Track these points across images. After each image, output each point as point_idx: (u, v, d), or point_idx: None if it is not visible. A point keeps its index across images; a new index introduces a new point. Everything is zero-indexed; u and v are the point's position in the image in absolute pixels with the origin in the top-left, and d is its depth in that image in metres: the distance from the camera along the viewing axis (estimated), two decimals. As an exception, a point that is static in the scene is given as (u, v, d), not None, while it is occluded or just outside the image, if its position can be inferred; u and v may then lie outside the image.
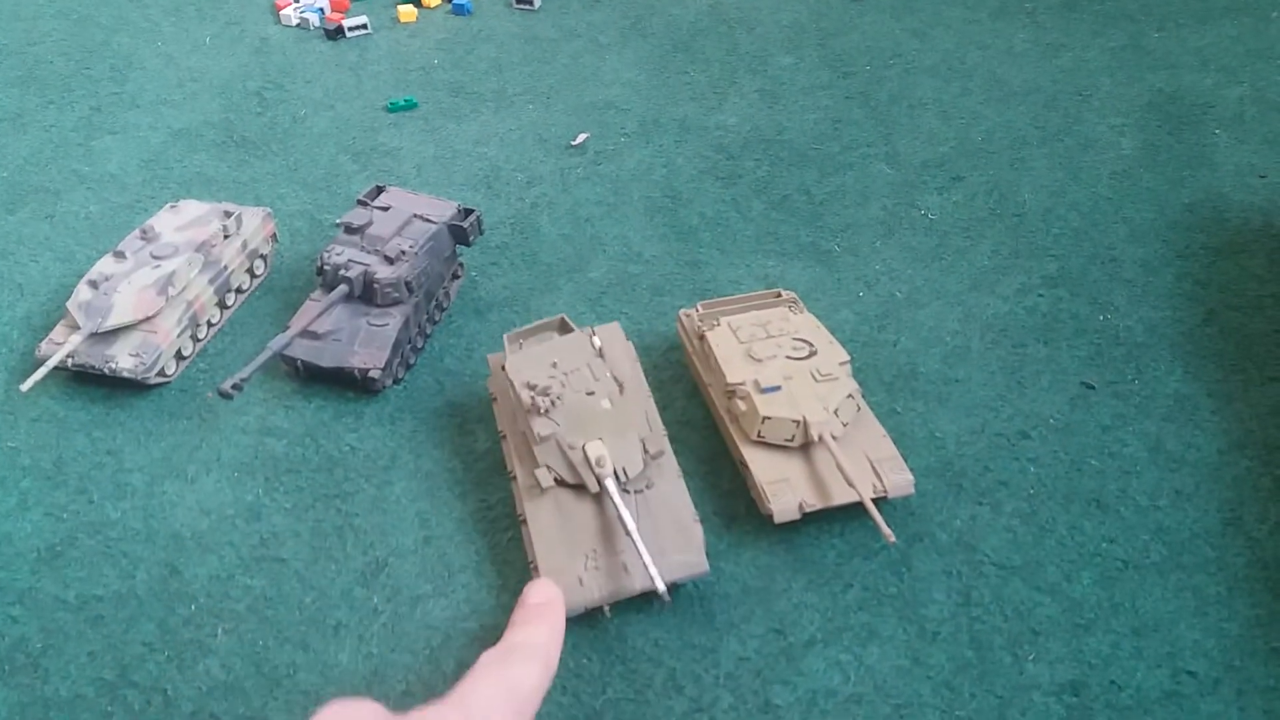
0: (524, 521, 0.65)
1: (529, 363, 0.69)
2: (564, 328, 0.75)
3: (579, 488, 0.65)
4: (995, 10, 1.36)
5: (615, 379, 0.68)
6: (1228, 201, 0.98)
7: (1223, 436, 0.74)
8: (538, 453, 0.65)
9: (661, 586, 0.59)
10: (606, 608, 0.61)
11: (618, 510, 0.61)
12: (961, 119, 1.12)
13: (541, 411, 0.66)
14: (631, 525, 0.60)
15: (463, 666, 0.59)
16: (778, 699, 0.58)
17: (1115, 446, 0.73)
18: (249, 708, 0.59)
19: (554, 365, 0.69)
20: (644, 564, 0.59)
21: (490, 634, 0.62)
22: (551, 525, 0.64)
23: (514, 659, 0.52)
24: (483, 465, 0.73)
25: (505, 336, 0.74)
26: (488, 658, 0.52)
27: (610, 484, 0.63)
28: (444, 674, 0.60)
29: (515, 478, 0.67)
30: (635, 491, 0.65)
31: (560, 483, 0.65)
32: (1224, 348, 0.81)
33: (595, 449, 0.64)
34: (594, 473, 0.63)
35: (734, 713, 0.58)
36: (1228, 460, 0.72)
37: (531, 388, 0.67)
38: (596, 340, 0.71)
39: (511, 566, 0.66)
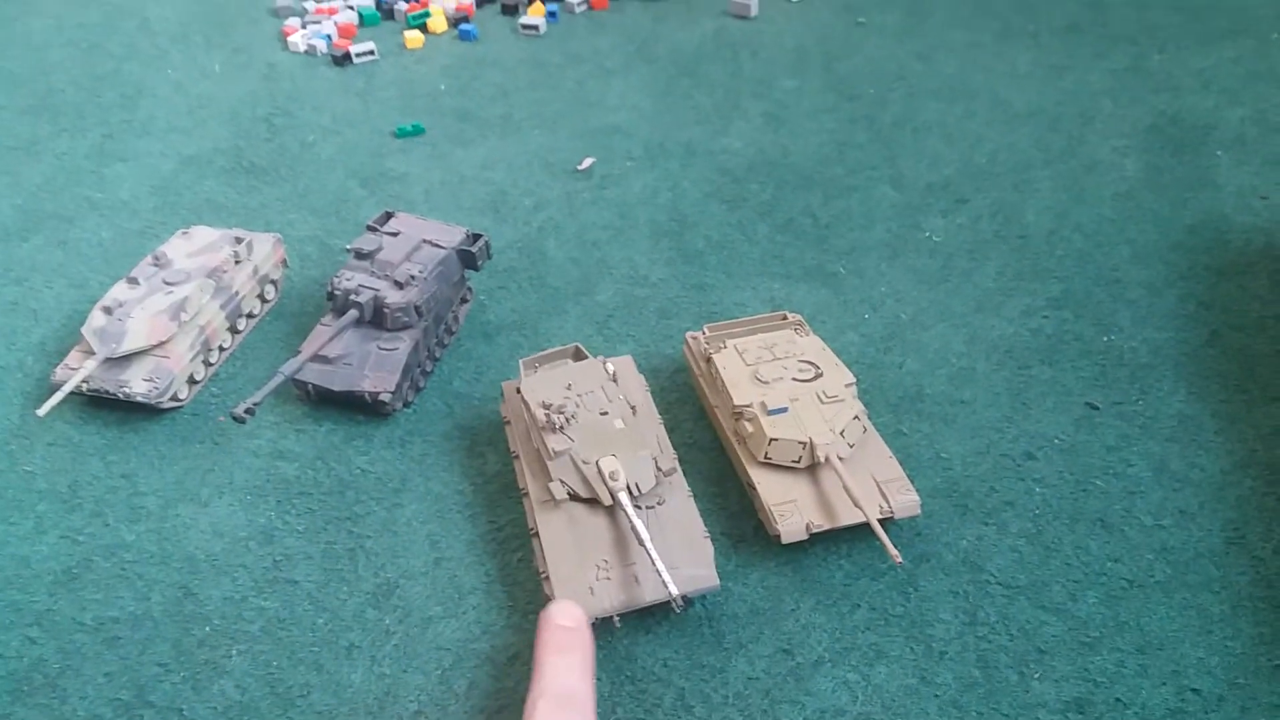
0: (535, 534, 0.66)
1: (544, 384, 0.71)
2: (578, 355, 0.76)
3: (592, 502, 0.66)
4: (998, 33, 1.37)
5: (628, 402, 0.69)
6: (1230, 223, 0.99)
7: (1226, 456, 0.74)
8: (551, 468, 0.66)
9: (675, 590, 0.59)
10: (616, 618, 0.62)
11: (630, 520, 0.62)
12: (965, 141, 1.13)
13: (556, 428, 0.67)
14: (644, 534, 0.61)
15: (474, 687, 0.60)
16: (786, 718, 0.59)
17: (1120, 467, 0.74)
18: (263, 729, 0.59)
19: (569, 387, 0.70)
20: (656, 571, 0.60)
21: (501, 654, 0.62)
22: (564, 536, 0.65)
23: (572, 718, 0.52)
24: (492, 487, 0.73)
25: (521, 362, 0.75)
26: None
27: (623, 497, 0.64)
28: (455, 694, 0.60)
29: (528, 493, 0.68)
30: (647, 507, 0.66)
31: (574, 497, 0.66)
32: (1227, 368, 0.82)
33: (609, 464, 0.65)
34: (607, 486, 0.64)
35: (743, 732, 0.59)
36: (1231, 480, 0.73)
37: (546, 406, 0.68)
38: (610, 366, 0.72)
39: (521, 588, 0.66)
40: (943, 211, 1.02)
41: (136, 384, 0.77)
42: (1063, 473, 0.73)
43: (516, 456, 0.71)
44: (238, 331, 0.87)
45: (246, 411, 0.68)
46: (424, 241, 0.83)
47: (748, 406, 0.70)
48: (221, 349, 0.84)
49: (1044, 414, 0.78)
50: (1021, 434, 0.76)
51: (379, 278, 0.80)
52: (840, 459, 0.68)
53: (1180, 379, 0.81)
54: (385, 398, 0.76)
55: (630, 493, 0.65)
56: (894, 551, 0.62)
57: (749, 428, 0.70)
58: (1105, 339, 0.85)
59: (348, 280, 0.80)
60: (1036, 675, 0.61)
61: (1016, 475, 0.73)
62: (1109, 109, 1.18)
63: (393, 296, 0.78)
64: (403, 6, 1.45)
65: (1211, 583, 0.66)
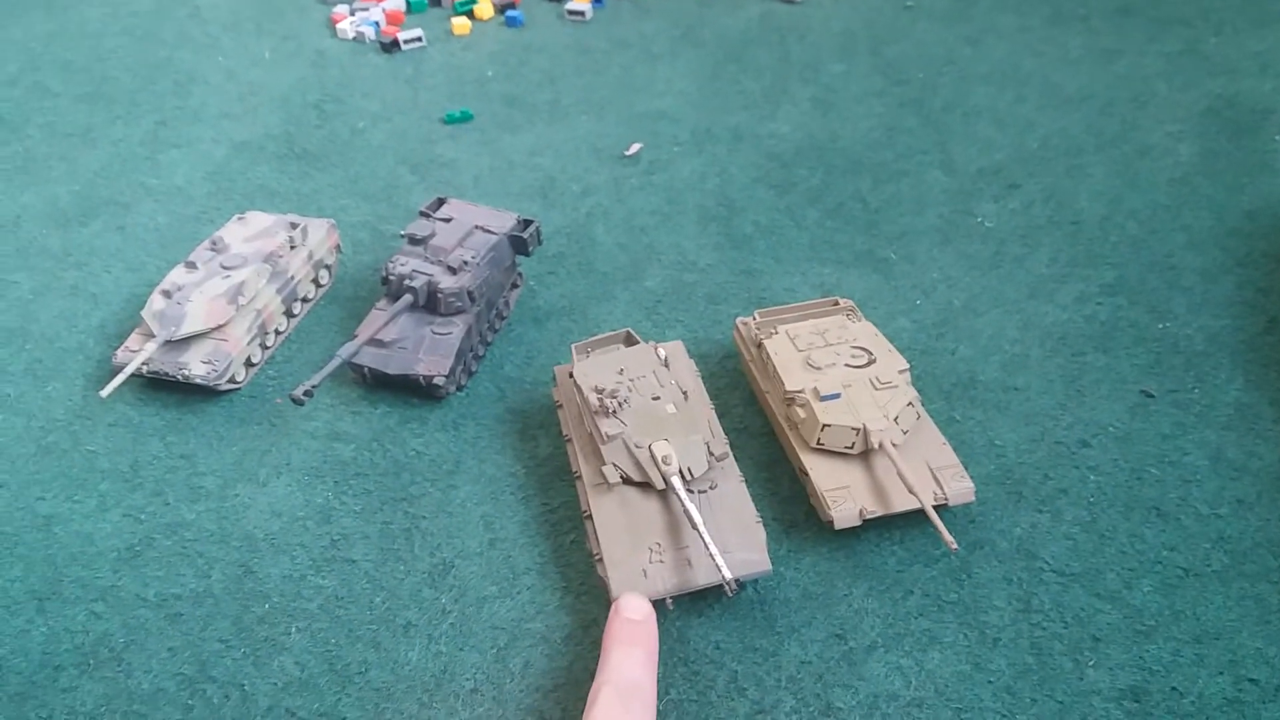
0: (589, 516, 0.67)
1: (597, 369, 0.71)
2: (629, 340, 0.76)
3: (644, 486, 0.66)
4: (1049, 17, 1.36)
5: (680, 387, 0.70)
6: (1288, 208, 0.97)
7: (1285, 445, 0.74)
8: (605, 452, 0.67)
9: (728, 574, 0.60)
10: (669, 600, 0.62)
11: (683, 504, 0.63)
12: (1016, 126, 1.12)
13: (609, 413, 0.67)
14: (697, 517, 0.62)
15: (529, 665, 0.61)
16: (839, 702, 0.59)
17: (1175, 455, 0.73)
18: (322, 703, 0.60)
19: (621, 372, 0.70)
20: (709, 554, 0.60)
21: (555, 634, 0.63)
22: (617, 519, 0.65)
23: (634, 708, 0.53)
24: (544, 470, 0.74)
25: (573, 346, 0.75)
26: (606, 713, 0.53)
27: (676, 481, 0.64)
28: (511, 672, 0.61)
29: (580, 476, 0.69)
30: (699, 491, 0.66)
31: (627, 480, 0.66)
32: (1286, 356, 0.81)
33: (661, 448, 0.65)
34: (660, 470, 0.65)
35: (796, 715, 0.59)
36: (1291, 469, 0.72)
37: (599, 391, 0.68)
38: (661, 351, 0.73)
39: (575, 569, 0.67)
40: (994, 197, 1.01)
41: (195, 366, 0.79)
42: (1118, 460, 0.73)
43: (569, 440, 0.72)
44: (293, 315, 0.88)
45: (305, 394, 0.69)
46: (476, 227, 0.84)
47: (800, 392, 0.70)
48: (278, 332, 0.86)
49: (1098, 401, 0.78)
50: (1076, 421, 0.76)
51: (432, 263, 0.81)
52: (894, 445, 0.68)
53: (1237, 367, 0.80)
54: (439, 381, 0.77)
55: (683, 477, 0.65)
56: (949, 538, 0.62)
57: (801, 413, 0.70)
58: (1160, 326, 0.84)
59: (402, 265, 0.80)
60: (1091, 663, 0.61)
61: (1071, 463, 0.73)
62: (1163, 93, 1.17)
63: (446, 281, 0.79)
64: (450, -7, 1.46)
65: (1270, 572, 0.65)
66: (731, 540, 0.64)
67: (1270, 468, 0.72)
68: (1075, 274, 0.90)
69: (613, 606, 0.59)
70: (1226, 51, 1.25)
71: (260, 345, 0.83)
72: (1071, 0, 1.40)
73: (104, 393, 0.76)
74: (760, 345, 0.76)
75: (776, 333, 0.76)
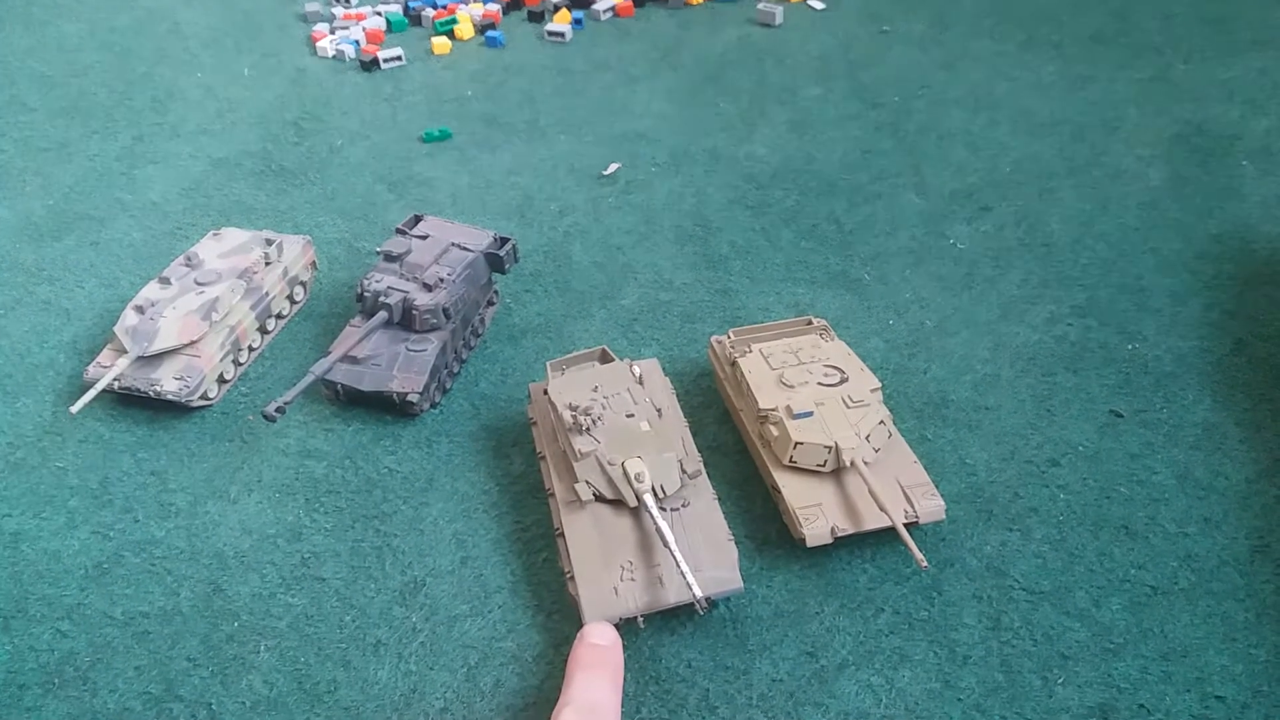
0: (561, 534, 0.67)
1: (571, 386, 0.71)
2: (605, 358, 0.77)
3: (617, 504, 0.67)
4: (1023, 43, 1.38)
5: (654, 405, 0.70)
6: (1255, 232, 0.98)
7: (1251, 465, 0.74)
8: (578, 469, 0.67)
9: (699, 592, 0.60)
10: (640, 618, 0.62)
11: (655, 522, 0.63)
12: (990, 150, 1.13)
13: (583, 430, 0.68)
14: (669, 536, 0.62)
15: (500, 685, 0.61)
16: (810, 720, 0.59)
17: (1144, 474, 0.74)
18: (291, 723, 0.60)
19: (595, 389, 0.70)
20: (680, 572, 0.60)
21: (526, 652, 0.63)
22: (589, 537, 0.65)
23: None
24: (518, 488, 0.74)
25: (548, 364, 0.75)
26: None
27: (649, 499, 0.64)
28: (481, 691, 0.61)
29: (553, 494, 0.69)
30: (672, 509, 0.66)
31: (599, 498, 0.67)
32: (1252, 377, 0.82)
33: (635, 465, 0.65)
34: (633, 487, 0.65)
35: (767, 733, 0.59)
36: (1256, 489, 0.73)
37: (573, 408, 0.69)
38: (636, 369, 0.73)
39: (547, 587, 0.67)
40: (967, 219, 1.02)
41: (167, 382, 0.78)
42: (1087, 479, 0.73)
43: (543, 457, 0.72)
44: (267, 332, 0.87)
45: (277, 410, 0.69)
46: (452, 245, 0.84)
47: (773, 410, 0.71)
48: (251, 349, 0.85)
49: (1068, 421, 0.78)
50: (1046, 441, 0.77)
51: (408, 280, 0.81)
52: (865, 463, 0.68)
53: (1205, 388, 0.81)
54: (413, 398, 0.77)
55: (655, 494, 0.65)
56: (919, 556, 0.62)
57: (774, 431, 0.70)
58: (1129, 347, 0.85)
59: (377, 282, 0.80)
60: (1060, 681, 0.61)
61: (1040, 481, 0.73)
62: (1134, 119, 1.18)
63: (421, 298, 0.79)
64: (430, 13, 1.47)
65: (1236, 590, 0.66)
66: (703, 558, 0.64)
67: (1236, 487, 0.73)
68: (1046, 295, 0.91)
69: (578, 634, 0.59)
70: (1195, 79, 1.27)
71: (233, 362, 0.83)
72: (1045, 27, 1.42)
73: (74, 409, 0.75)
74: (734, 363, 0.76)
75: (750, 351, 0.77)
